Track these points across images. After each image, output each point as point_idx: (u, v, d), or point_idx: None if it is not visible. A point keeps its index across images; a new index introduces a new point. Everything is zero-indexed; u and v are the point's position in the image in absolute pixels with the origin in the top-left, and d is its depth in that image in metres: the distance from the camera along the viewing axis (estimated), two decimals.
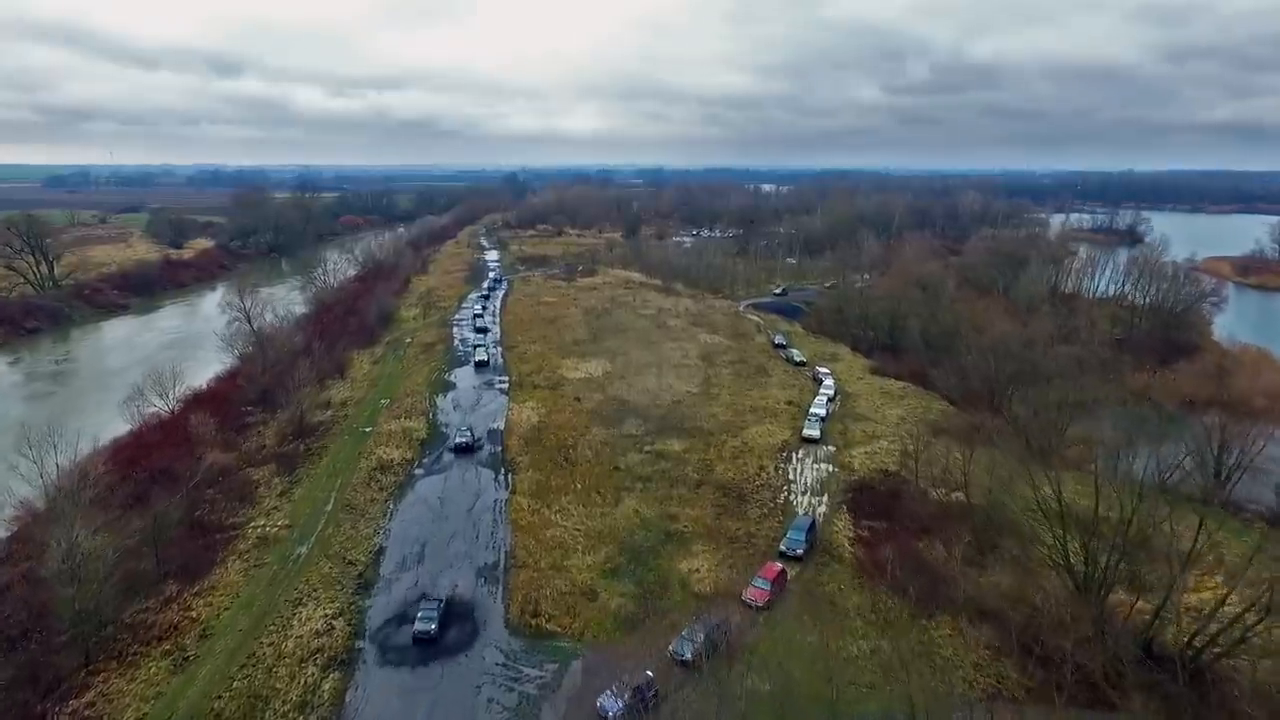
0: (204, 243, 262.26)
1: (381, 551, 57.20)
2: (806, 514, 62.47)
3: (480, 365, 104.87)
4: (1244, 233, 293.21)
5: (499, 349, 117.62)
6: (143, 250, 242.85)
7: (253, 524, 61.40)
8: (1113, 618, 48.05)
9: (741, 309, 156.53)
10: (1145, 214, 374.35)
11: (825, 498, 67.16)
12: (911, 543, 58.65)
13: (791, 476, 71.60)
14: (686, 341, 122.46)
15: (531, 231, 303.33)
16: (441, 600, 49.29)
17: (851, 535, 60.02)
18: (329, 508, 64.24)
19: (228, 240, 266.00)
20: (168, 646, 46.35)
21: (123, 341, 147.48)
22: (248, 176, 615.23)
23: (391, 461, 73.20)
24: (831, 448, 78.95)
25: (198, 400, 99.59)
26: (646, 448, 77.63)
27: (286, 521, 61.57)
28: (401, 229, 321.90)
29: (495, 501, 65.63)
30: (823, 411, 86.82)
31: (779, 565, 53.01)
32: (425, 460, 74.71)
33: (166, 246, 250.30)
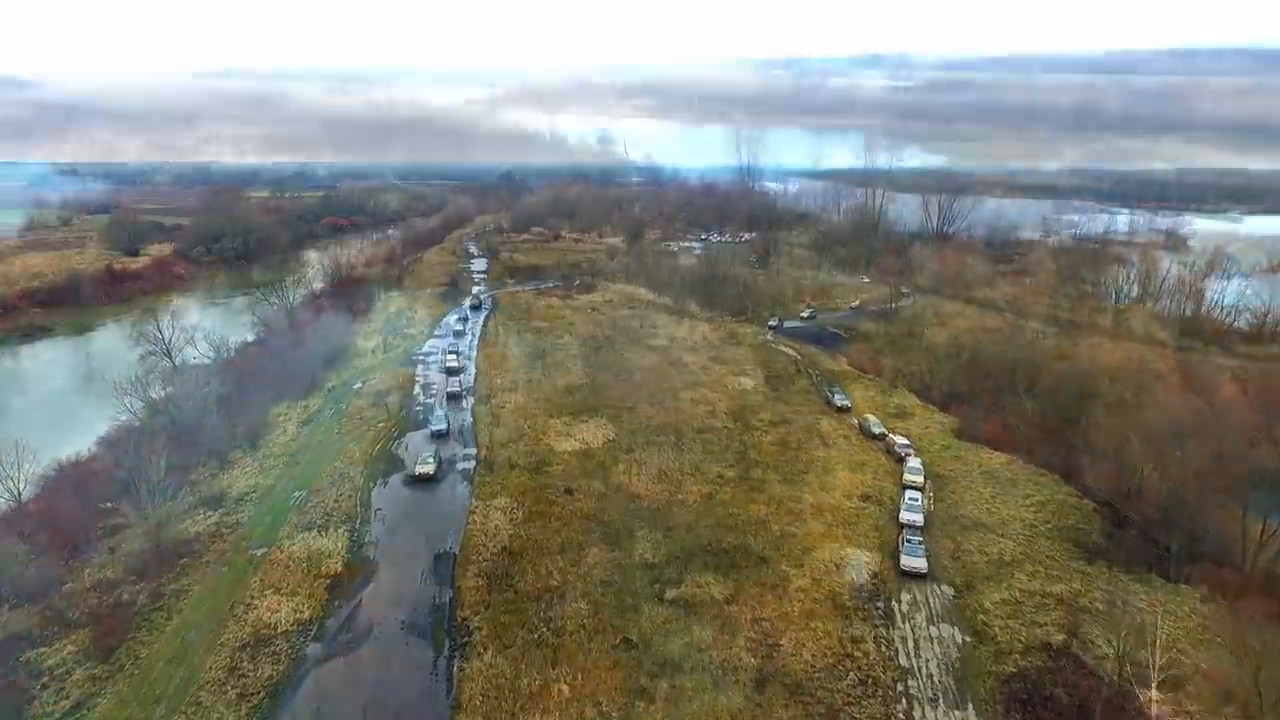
0: (164, 248, 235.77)
1: None
2: None
3: (421, 480, 68.90)
4: None
5: (470, 398, 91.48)
6: (91, 257, 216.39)
7: None
8: None
9: (770, 337, 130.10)
10: (1188, 217, 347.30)
11: (969, 715, 40.85)
12: None
13: (903, 660, 45.24)
14: (710, 388, 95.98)
15: (526, 236, 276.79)
16: None
17: None
18: None
19: (190, 246, 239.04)
20: None
21: (45, 369, 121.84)
22: (243, 175, 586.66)
23: (274, 629, 46.82)
24: (947, 588, 52.63)
25: (58, 485, 73.47)
26: (670, 592, 51.37)
27: None
28: (392, 230, 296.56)
29: None
30: (920, 518, 60.47)
31: None
32: (330, 621, 48.38)
33: (121, 253, 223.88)
